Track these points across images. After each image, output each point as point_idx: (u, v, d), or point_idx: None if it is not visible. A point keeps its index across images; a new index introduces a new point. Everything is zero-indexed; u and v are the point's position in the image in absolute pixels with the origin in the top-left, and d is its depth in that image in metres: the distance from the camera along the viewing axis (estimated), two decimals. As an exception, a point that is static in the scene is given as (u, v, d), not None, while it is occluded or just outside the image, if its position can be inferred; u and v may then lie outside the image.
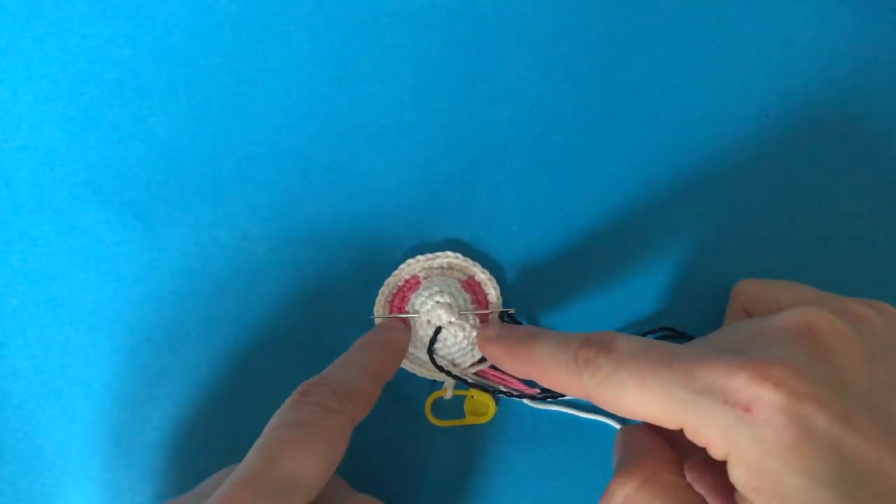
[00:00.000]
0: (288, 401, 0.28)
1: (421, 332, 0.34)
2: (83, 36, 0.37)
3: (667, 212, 0.36)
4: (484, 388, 0.34)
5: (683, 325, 0.35)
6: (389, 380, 0.31)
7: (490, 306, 0.35)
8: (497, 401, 0.35)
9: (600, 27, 0.38)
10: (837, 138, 0.37)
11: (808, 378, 0.22)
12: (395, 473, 0.35)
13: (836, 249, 0.36)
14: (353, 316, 0.35)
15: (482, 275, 0.35)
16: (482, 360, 0.35)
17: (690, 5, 0.38)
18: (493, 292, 0.35)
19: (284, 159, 0.37)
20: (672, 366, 0.24)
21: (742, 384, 0.22)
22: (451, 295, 0.33)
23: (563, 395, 0.34)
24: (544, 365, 0.28)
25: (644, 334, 0.35)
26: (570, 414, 0.35)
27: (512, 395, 0.34)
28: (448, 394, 0.35)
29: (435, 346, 0.34)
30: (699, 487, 0.28)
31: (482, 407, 0.35)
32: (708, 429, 0.23)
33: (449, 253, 0.35)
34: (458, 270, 0.35)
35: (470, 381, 0.34)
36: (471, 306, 0.34)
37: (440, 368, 0.34)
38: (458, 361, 0.34)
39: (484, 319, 0.34)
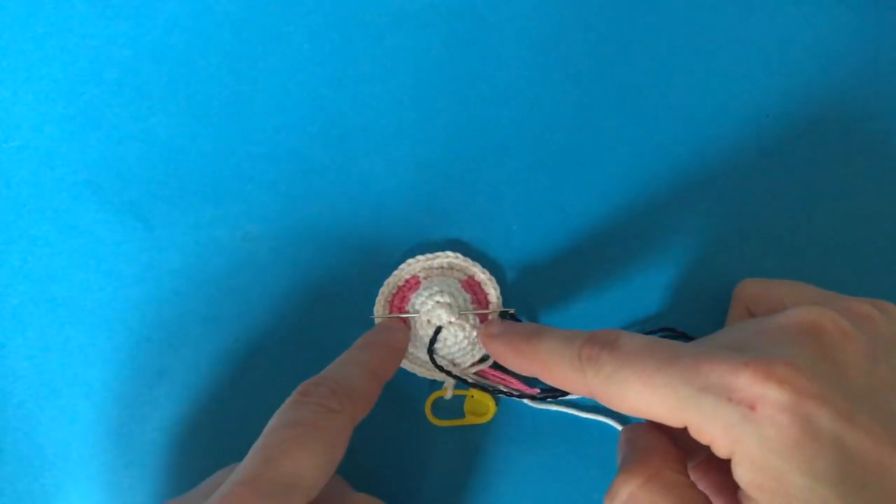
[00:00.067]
0: (288, 401, 0.28)
1: (421, 332, 0.34)
2: (83, 36, 0.37)
3: (667, 211, 0.36)
4: (484, 388, 0.34)
5: (685, 325, 0.35)
6: (389, 379, 0.31)
7: (490, 306, 0.35)
8: (497, 401, 0.35)
9: (600, 27, 0.38)
10: (837, 138, 0.37)
11: (812, 377, 0.23)
12: (395, 473, 0.35)
13: (836, 249, 0.36)
14: (353, 316, 0.35)
15: (482, 275, 0.35)
16: (482, 359, 0.35)
17: (690, 5, 0.38)
18: (493, 292, 0.35)
19: (284, 159, 0.37)
20: (676, 363, 0.24)
21: (746, 382, 0.22)
22: (451, 295, 0.33)
23: (565, 395, 0.34)
24: (548, 362, 0.28)
25: (645, 334, 0.35)
26: (571, 414, 0.35)
27: (512, 395, 0.34)
28: (448, 394, 0.35)
29: (435, 345, 0.34)
30: (703, 486, 0.28)
31: (482, 407, 0.35)
32: (712, 427, 0.23)
33: (449, 253, 0.35)
34: (458, 270, 0.35)
35: (470, 380, 0.34)
36: (471, 306, 0.34)
37: (440, 368, 0.34)
38: (458, 361, 0.34)
39: (484, 319, 0.34)
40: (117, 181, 0.36)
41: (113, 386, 0.35)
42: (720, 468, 0.28)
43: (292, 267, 0.36)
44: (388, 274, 0.35)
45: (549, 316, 0.36)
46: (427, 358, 0.34)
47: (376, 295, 0.35)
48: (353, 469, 0.33)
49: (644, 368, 0.25)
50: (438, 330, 0.34)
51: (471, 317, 0.34)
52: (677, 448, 0.27)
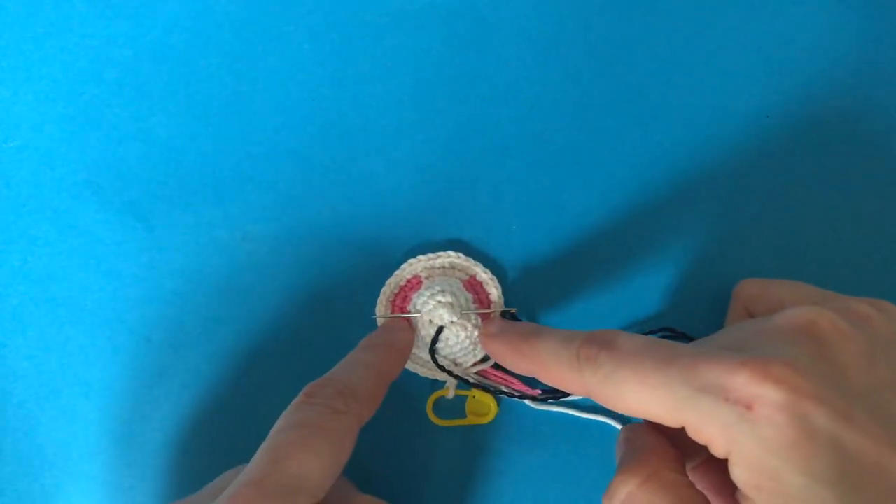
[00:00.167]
0: (294, 402, 0.28)
1: (423, 332, 0.34)
2: (83, 36, 0.37)
3: (667, 212, 0.36)
4: (485, 389, 0.34)
5: (684, 326, 0.35)
6: (395, 380, 0.31)
7: (492, 306, 0.35)
8: (498, 401, 0.35)
9: (600, 27, 0.38)
10: (837, 138, 0.37)
11: (810, 376, 0.23)
12: (397, 473, 0.35)
13: (836, 249, 0.36)
14: (353, 315, 0.35)
15: (484, 274, 0.35)
16: (484, 359, 0.35)
17: (690, 5, 0.38)
18: (494, 292, 0.35)
19: (284, 159, 0.37)
20: (674, 363, 0.24)
21: (743, 382, 0.23)
22: (452, 295, 0.33)
23: (565, 396, 0.34)
24: (546, 361, 0.28)
25: (645, 335, 0.35)
26: (571, 415, 0.35)
27: (513, 396, 0.34)
28: (450, 394, 0.35)
29: (437, 345, 0.34)
30: (702, 487, 0.28)
31: (483, 407, 0.35)
32: (709, 427, 0.23)
33: (451, 253, 0.35)
34: (459, 270, 0.35)
35: (472, 380, 0.34)
36: (472, 306, 0.34)
37: (442, 368, 0.34)
38: (459, 361, 0.34)
39: (485, 319, 0.34)
40: (117, 181, 0.36)
41: (113, 386, 0.35)
42: (719, 469, 0.28)
43: (292, 267, 0.36)
44: (389, 274, 0.35)
45: (550, 316, 0.36)
46: (429, 358, 0.34)
47: (377, 295, 0.35)
48: (353, 468, 0.33)
49: (642, 368, 0.25)
50: (440, 330, 0.34)
51: (472, 316, 0.34)
52: (676, 448, 0.27)
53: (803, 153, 0.37)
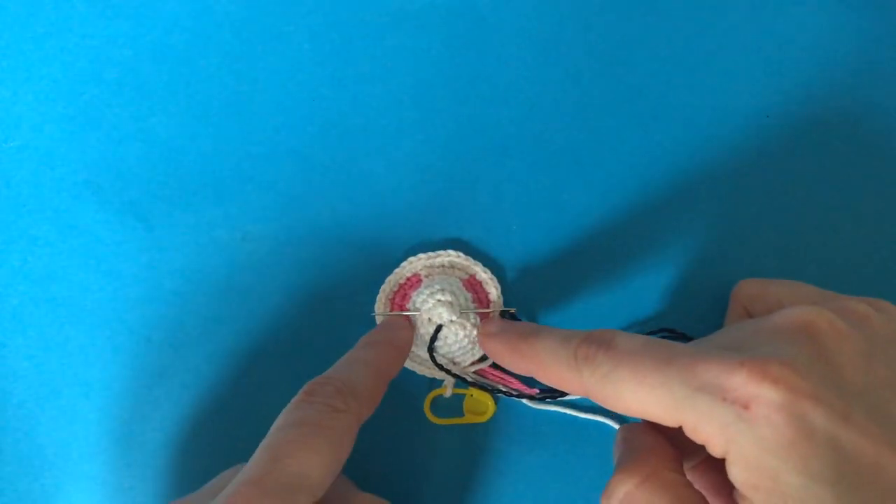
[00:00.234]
0: (293, 400, 0.28)
1: (422, 331, 0.34)
2: (83, 36, 0.37)
3: (667, 212, 0.36)
4: (483, 388, 0.34)
5: (684, 326, 0.35)
6: (394, 378, 0.31)
7: (491, 305, 0.35)
8: (496, 400, 0.35)
9: (600, 27, 0.38)
10: (837, 138, 0.37)
11: (807, 376, 0.23)
12: (395, 472, 0.35)
13: (836, 249, 0.36)
14: (353, 315, 0.35)
15: (483, 274, 0.35)
16: (482, 359, 0.35)
17: (690, 5, 0.38)
18: (493, 291, 0.35)
19: (284, 159, 0.37)
20: (672, 363, 0.24)
21: (741, 382, 0.23)
22: (452, 293, 0.33)
23: (563, 395, 0.34)
24: (544, 361, 0.28)
25: (644, 335, 0.35)
26: (570, 414, 0.35)
27: (511, 395, 0.34)
28: (448, 392, 0.35)
29: (435, 344, 0.34)
30: (700, 487, 0.28)
31: (481, 406, 0.35)
32: (707, 426, 0.23)
33: (451, 252, 0.35)
34: (459, 269, 0.35)
35: (469, 379, 0.34)
36: (472, 305, 0.34)
37: (440, 367, 0.34)
38: (458, 360, 0.34)
39: (484, 318, 0.34)
40: (117, 181, 0.36)
41: (113, 386, 0.35)
42: (716, 469, 0.28)
43: (292, 267, 0.36)
44: (389, 274, 0.35)
45: (549, 315, 0.36)
46: (427, 356, 0.34)
47: (377, 295, 0.35)
48: (351, 466, 0.33)
49: (640, 368, 0.25)
50: (439, 328, 0.34)
51: (471, 316, 0.34)
52: (674, 448, 0.27)
53: (803, 153, 0.37)
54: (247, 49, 0.37)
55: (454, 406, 0.35)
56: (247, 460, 0.27)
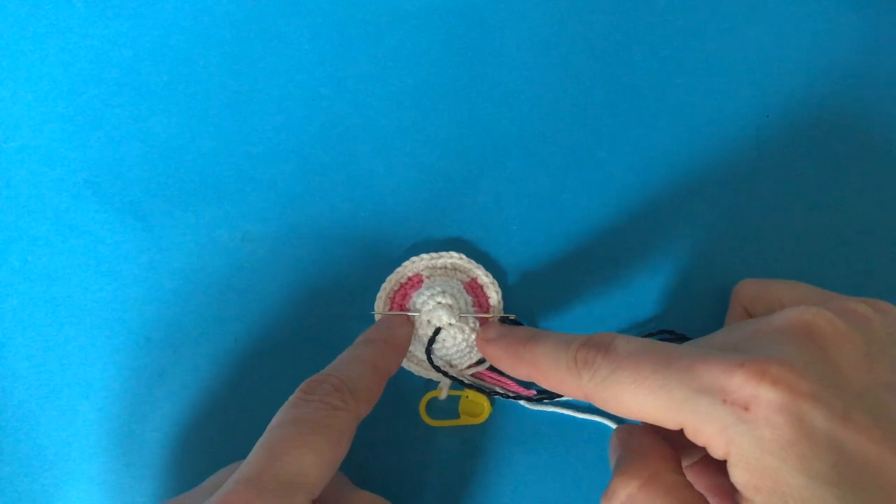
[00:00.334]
0: (291, 398, 0.28)
1: (420, 331, 0.34)
2: (83, 36, 0.37)
3: (667, 212, 0.36)
4: (480, 389, 0.34)
5: (684, 327, 0.34)
6: (392, 375, 0.31)
7: (491, 310, 0.35)
8: (492, 402, 0.35)
9: (600, 27, 0.38)
10: (837, 138, 0.37)
11: (807, 376, 0.23)
12: (392, 472, 0.35)
13: (835, 249, 0.36)
14: (353, 315, 0.35)
15: (485, 278, 0.35)
16: (479, 362, 0.34)
17: (691, 5, 0.38)
18: (494, 296, 0.35)
19: (284, 159, 0.37)
20: (671, 365, 0.24)
21: (741, 383, 0.23)
22: (452, 296, 0.33)
23: (560, 397, 0.34)
24: (544, 366, 0.28)
25: (644, 336, 0.34)
26: (567, 414, 0.35)
27: (508, 397, 0.34)
28: (443, 394, 0.35)
29: (433, 346, 0.34)
30: (698, 488, 0.28)
31: (477, 408, 0.35)
32: (707, 428, 0.23)
33: (453, 253, 0.35)
34: (461, 271, 0.35)
35: (466, 381, 0.34)
36: (472, 309, 0.34)
37: (437, 369, 0.34)
38: (455, 362, 0.34)
39: (483, 323, 0.34)
40: (117, 181, 0.36)
41: (113, 386, 0.35)
42: (714, 470, 0.28)
43: (292, 267, 0.36)
44: (388, 274, 0.35)
45: (549, 318, 0.36)
46: (424, 357, 0.34)
47: (376, 295, 0.35)
48: (346, 466, 0.33)
49: (639, 371, 0.25)
50: (437, 331, 0.33)
51: (471, 319, 0.34)
52: (673, 449, 0.27)
53: (803, 153, 0.37)
54: (247, 49, 0.37)
55: (450, 407, 0.35)
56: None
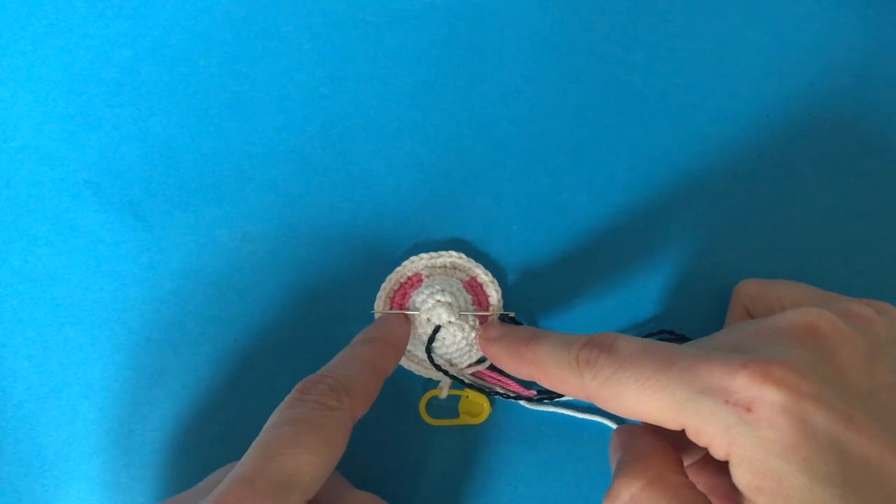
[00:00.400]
0: (287, 398, 0.28)
1: (420, 330, 0.34)
2: (83, 36, 0.37)
3: (667, 212, 0.36)
4: (480, 389, 0.34)
5: (684, 327, 0.35)
6: (390, 375, 0.31)
7: (491, 308, 0.35)
8: (492, 401, 0.35)
9: (600, 27, 0.38)
10: (837, 138, 0.37)
11: (810, 378, 0.22)
12: (389, 471, 0.35)
13: (836, 249, 0.36)
14: (352, 315, 0.35)
15: (485, 276, 0.35)
16: (479, 361, 0.34)
17: (690, 5, 0.38)
18: (494, 294, 0.35)
19: (284, 159, 0.37)
20: (674, 366, 0.24)
21: (743, 384, 0.22)
22: (452, 295, 0.33)
23: (560, 397, 0.34)
24: (546, 365, 0.28)
25: (644, 336, 0.34)
26: (567, 414, 0.35)
27: (508, 397, 0.34)
28: (443, 393, 0.35)
29: (433, 344, 0.34)
30: (699, 488, 0.28)
31: (477, 407, 0.35)
32: (709, 429, 0.23)
33: (453, 252, 0.35)
34: (460, 270, 0.35)
35: (466, 381, 0.34)
36: (472, 307, 0.34)
37: (437, 367, 0.34)
38: (455, 361, 0.34)
39: (483, 321, 0.34)
40: (117, 181, 0.36)
41: (113, 386, 0.35)
42: (713, 471, 0.28)
43: (292, 267, 0.36)
44: (388, 274, 0.35)
45: (549, 317, 0.36)
46: (425, 356, 0.34)
47: (376, 294, 0.35)
48: (344, 465, 0.33)
49: (641, 371, 0.25)
50: (437, 329, 0.33)
51: (470, 318, 0.34)
52: (675, 449, 0.27)
53: (803, 153, 0.37)
54: (247, 49, 0.37)
55: (450, 407, 0.35)
56: (244, 460, 0.27)
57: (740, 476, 0.23)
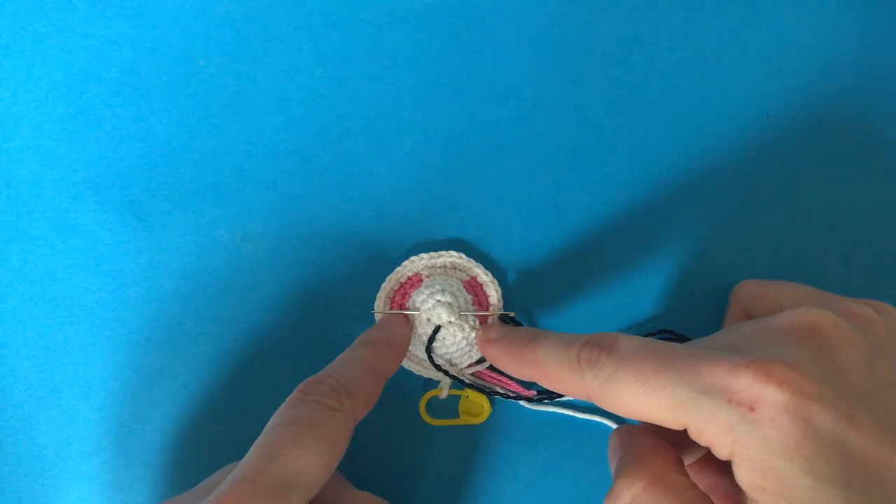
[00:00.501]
0: (289, 399, 0.28)
1: (420, 330, 0.34)
2: (83, 36, 0.37)
3: (667, 212, 0.36)
4: (480, 389, 0.34)
5: (683, 327, 0.35)
6: (391, 376, 0.31)
7: (491, 309, 0.35)
8: (492, 401, 0.35)
9: (600, 27, 0.38)
10: (837, 138, 0.37)
11: (812, 377, 0.23)
12: (390, 471, 0.35)
13: (836, 249, 0.36)
14: (353, 315, 0.35)
15: (485, 276, 0.35)
16: (480, 361, 0.34)
17: (690, 5, 0.38)
18: (494, 294, 0.35)
19: (284, 159, 0.37)
20: (675, 365, 0.24)
21: (746, 383, 0.22)
22: (452, 295, 0.33)
23: (560, 397, 0.34)
24: (547, 366, 0.28)
25: (643, 336, 0.34)
26: (567, 414, 0.35)
27: (508, 397, 0.34)
28: (444, 393, 0.35)
29: (433, 344, 0.34)
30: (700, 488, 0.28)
31: (477, 407, 0.35)
32: (711, 428, 0.23)
33: (453, 253, 0.35)
34: (460, 270, 0.35)
35: (466, 381, 0.34)
36: (472, 307, 0.34)
37: (438, 367, 0.34)
38: (455, 361, 0.34)
39: (483, 321, 0.34)
40: (117, 181, 0.36)
41: (113, 386, 0.35)
42: (713, 470, 0.28)
43: (292, 266, 0.36)
44: (388, 274, 0.35)
45: (548, 317, 0.36)
46: (425, 356, 0.34)
47: (376, 294, 0.35)
48: (345, 467, 0.33)
49: (642, 370, 0.25)
50: (437, 329, 0.33)
51: (470, 318, 0.34)
52: (677, 450, 0.27)
53: (803, 153, 0.37)
54: (247, 49, 0.37)
55: (450, 407, 0.35)
56: (244, 460, 0.27)
57: (743, 475, 0.23)
